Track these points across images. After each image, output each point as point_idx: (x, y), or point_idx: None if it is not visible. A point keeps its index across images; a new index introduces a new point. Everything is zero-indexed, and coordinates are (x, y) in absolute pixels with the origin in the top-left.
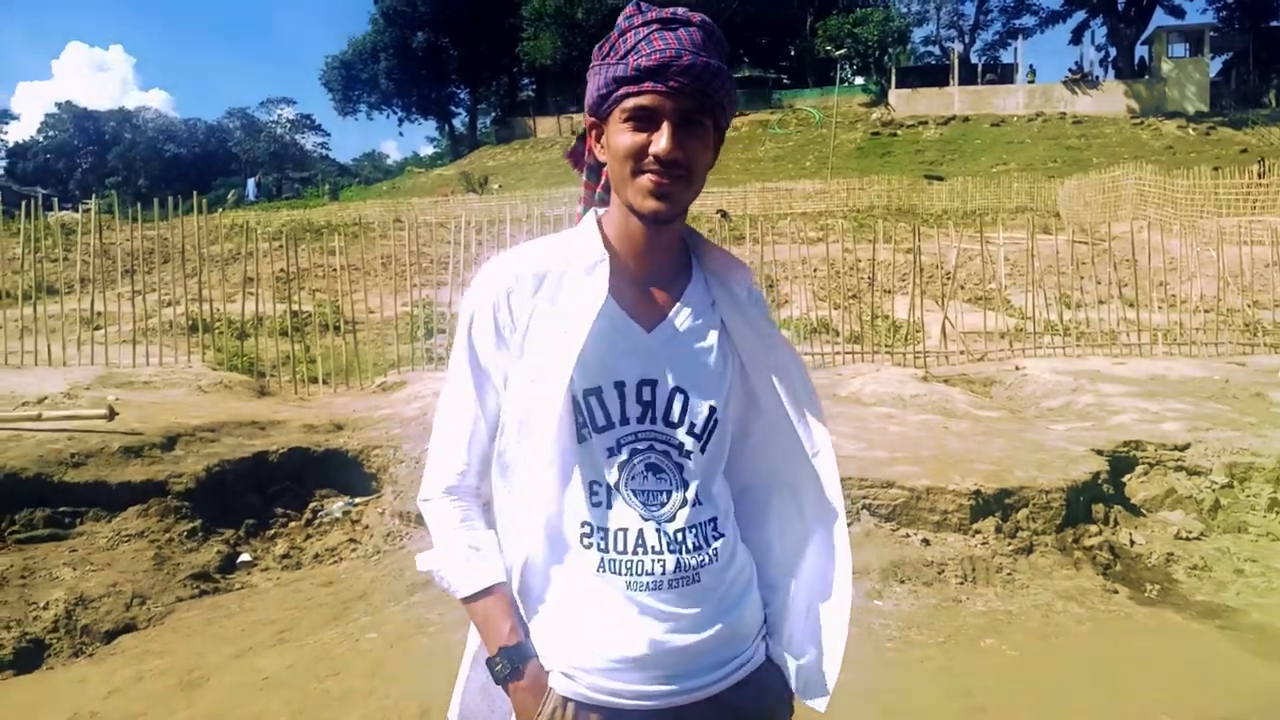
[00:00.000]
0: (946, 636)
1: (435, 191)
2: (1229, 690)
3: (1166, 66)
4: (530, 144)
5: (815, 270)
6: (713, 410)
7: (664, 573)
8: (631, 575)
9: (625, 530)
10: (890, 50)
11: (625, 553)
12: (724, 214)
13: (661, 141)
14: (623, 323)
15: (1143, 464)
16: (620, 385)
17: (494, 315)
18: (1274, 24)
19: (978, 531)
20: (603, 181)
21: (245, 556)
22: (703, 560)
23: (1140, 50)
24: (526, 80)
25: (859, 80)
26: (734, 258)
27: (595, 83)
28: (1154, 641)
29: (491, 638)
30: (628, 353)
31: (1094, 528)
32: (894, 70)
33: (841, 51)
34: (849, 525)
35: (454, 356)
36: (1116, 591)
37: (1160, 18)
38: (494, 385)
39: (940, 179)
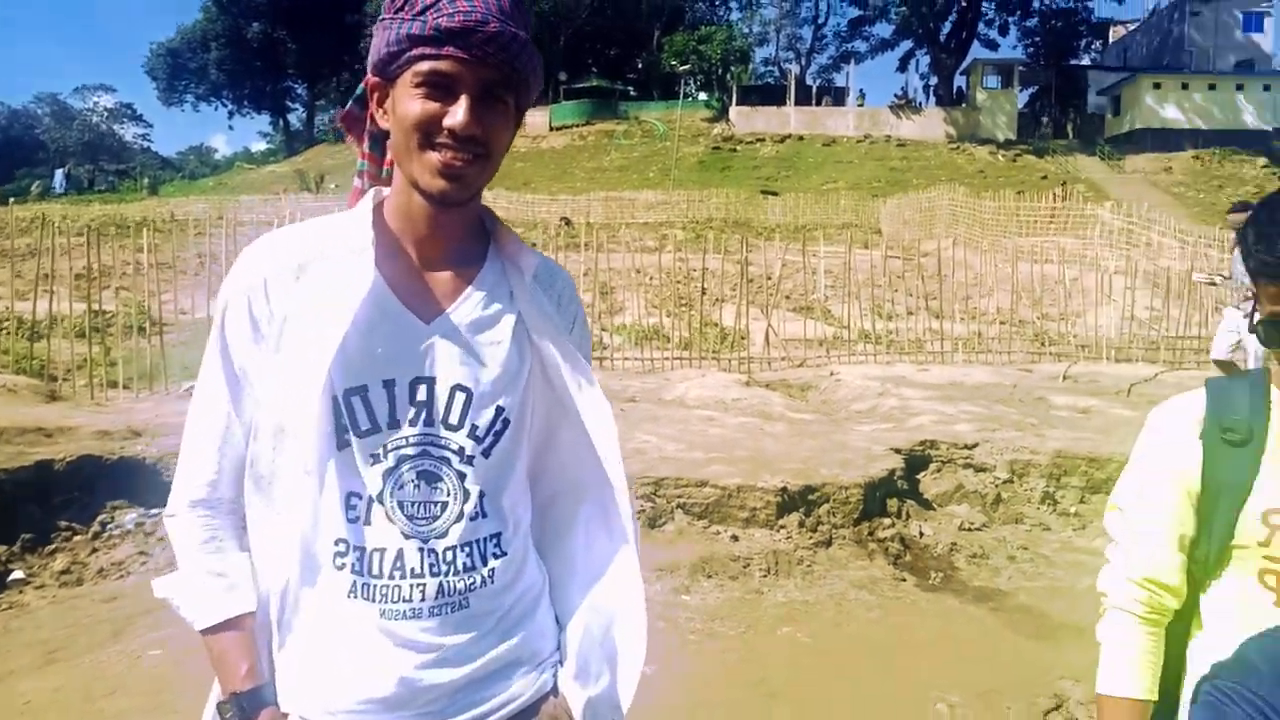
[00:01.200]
0: (747, 627)
1: (267, 189)
2: (995, 665)
3: (981, 96)
4: None
5: (650, 279)
6: (500, 411)
7: (423, 599)
8: (386, 602)
9: (383, 550)
10: (732, 68)
11: (380, 576)
12: (567, 221)
13: (459, 114)
14: (396, 313)
15: (936, 462)
16: (390, 384)
17: (249, 306)
18: (1074, 63)
19: (783, 527)
20: (389, 156)
21: (17, 574)
22: (473, 583)
23: (959, 80)
24: None
25: (702, 96)
26: (524, 245)
27: (383, 38)
28: (933, 624)
29: (225, 679)
30: (400, 347)
31: (888, 521)
32: (735, 88)
33: (686, 67)
34: (663, 525)
35: (206, 352)
36: (905, 579)
37: (977, 50)
38: (250, 384)
39: (775, 194)
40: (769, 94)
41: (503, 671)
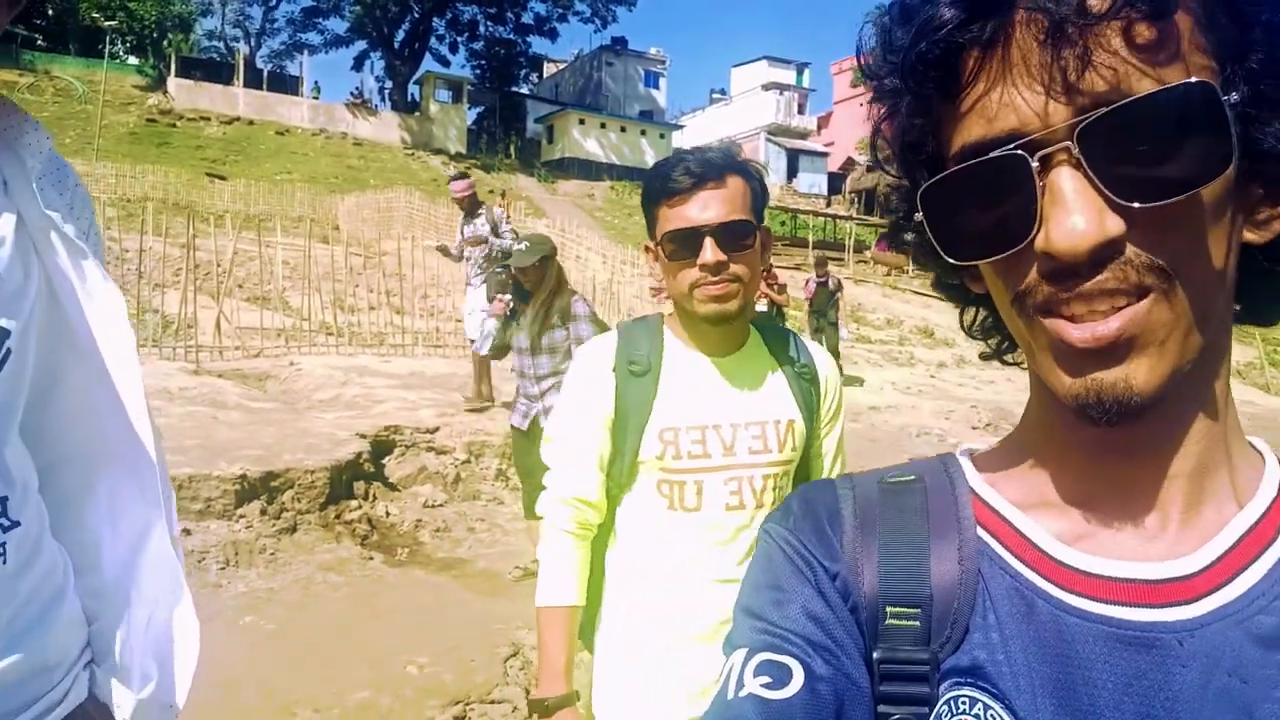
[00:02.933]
0: (205, 621)
1: None
2: (459, 624)
3: (434, 108)
4: None
5: None
6: (4, 336)
7: None
8: None
9: None
10: (170, 35)
11: None
12: None
13: None
14: None
15: (400, 446)
16: None
17: None
18: (515, 90)
19: (243, 516)
20: None
21: None
22: None
23: (413, 89)
24: None
25: (133, 60)
26: (31, 120)
27: None
28: (400, 596)
29: None
30: None
31: (355, 503)
32: (175, 57)
33: (113, 23)
34: None
35: None
36: (372, 558)
37: (430, 63)
38: None
39: (223, 179)
40: (215, 70)
41: (26, 679)
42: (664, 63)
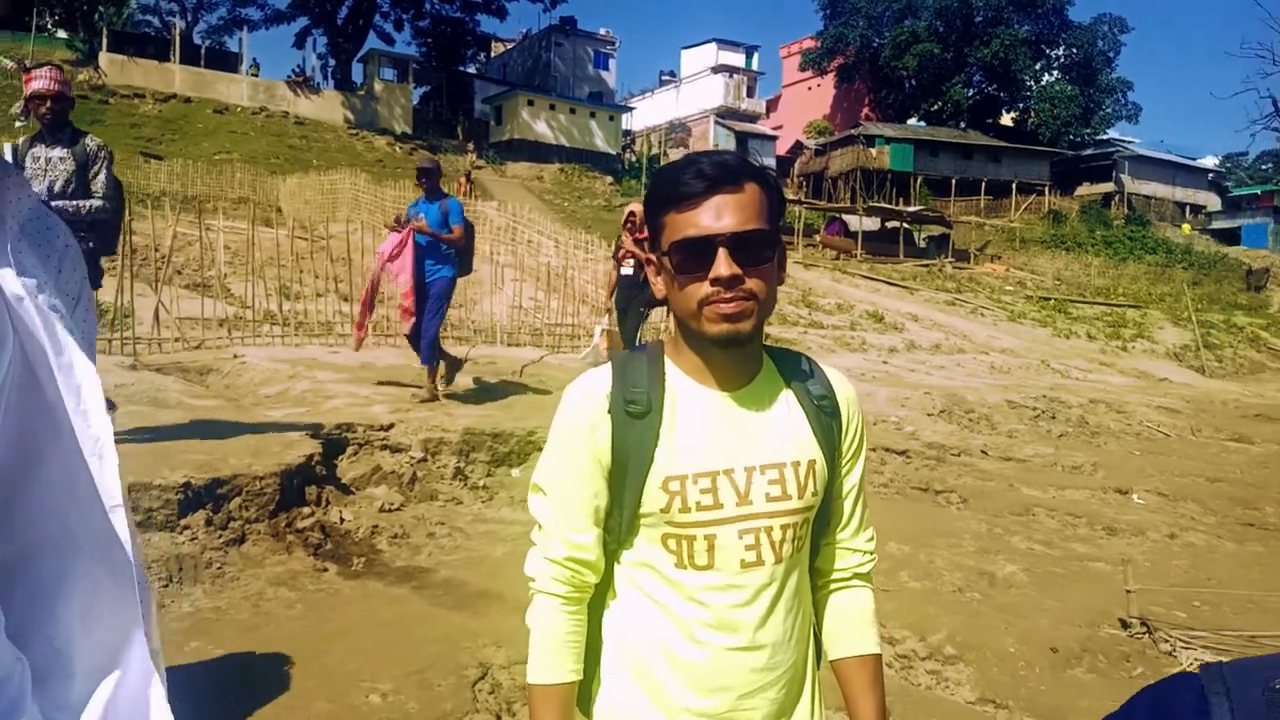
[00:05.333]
0: None
1: None
2: (422, 643)
3: (379, 87)
4: None
5: None
6: None
7: None
8: None
9: None
10: (101, 8)
11: None
12: None
13: None
14: None
15: (353, 444)
16: None
17: None
18: (462, 69)
19: (187, 527)
20: None
21: None
22: None
23: (357, 67)
24: None
25: (62, 34)
26: (22, 180)
27: None
28: (358, 612)
29: None
30: None
31: (307, 509)
32: (106, 31)
33: None
34: None
35: None
36: (326, 569)
37: (374, 41)
38: None
39: (160, 158)
40: (149, 46)
41: None
42: (614, 44)
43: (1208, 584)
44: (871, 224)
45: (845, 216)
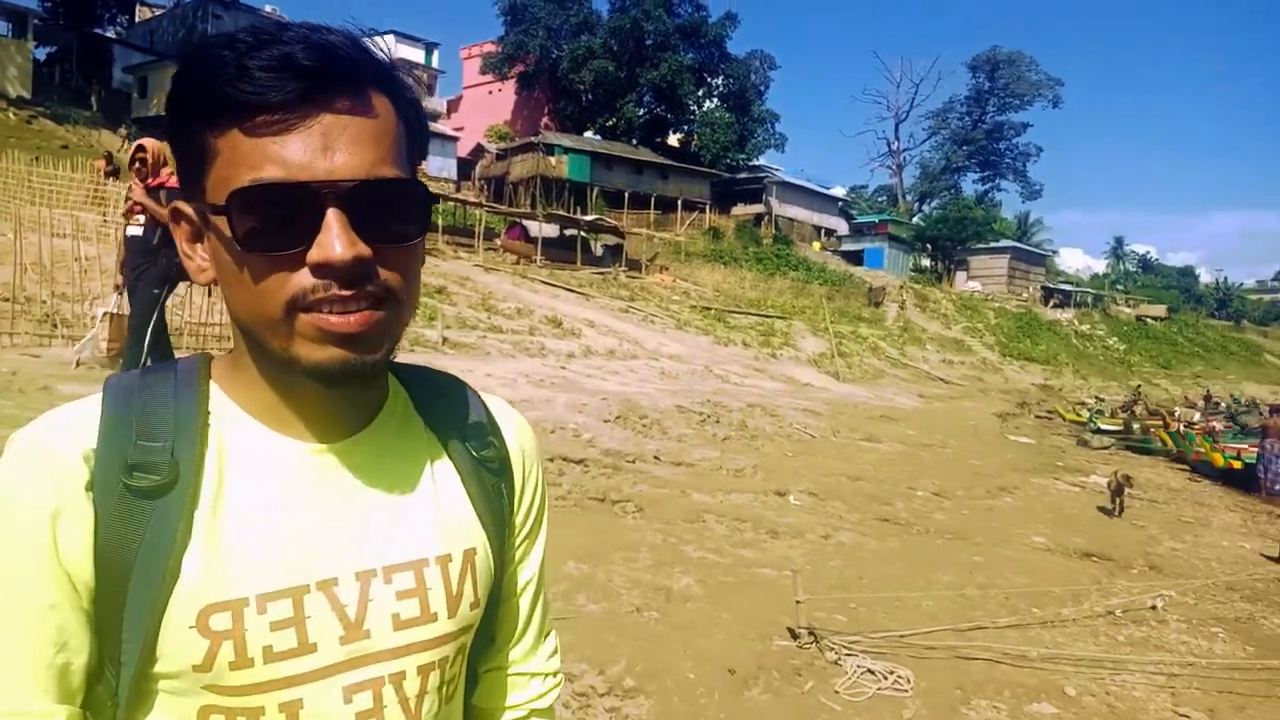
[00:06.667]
0: None
1: None
2: None
3: None
4: None
5: None
6: None
7: None
8: None
9: None
10: None
11: None
12: None
13: None
14: None
15: None
16: None
17: None
18: (98, 31)
19: None
20: None
21: None
22: None
23: None
24: None
25: None
26: None
27: None
28: None
29: None
30: None
31: None
32: None
33: None
34: None
35: None
36: None
37: None
38: None
39: None
40: None
41: None
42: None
43: (860, 582)
44: (551, 231)
45: (526, 222)
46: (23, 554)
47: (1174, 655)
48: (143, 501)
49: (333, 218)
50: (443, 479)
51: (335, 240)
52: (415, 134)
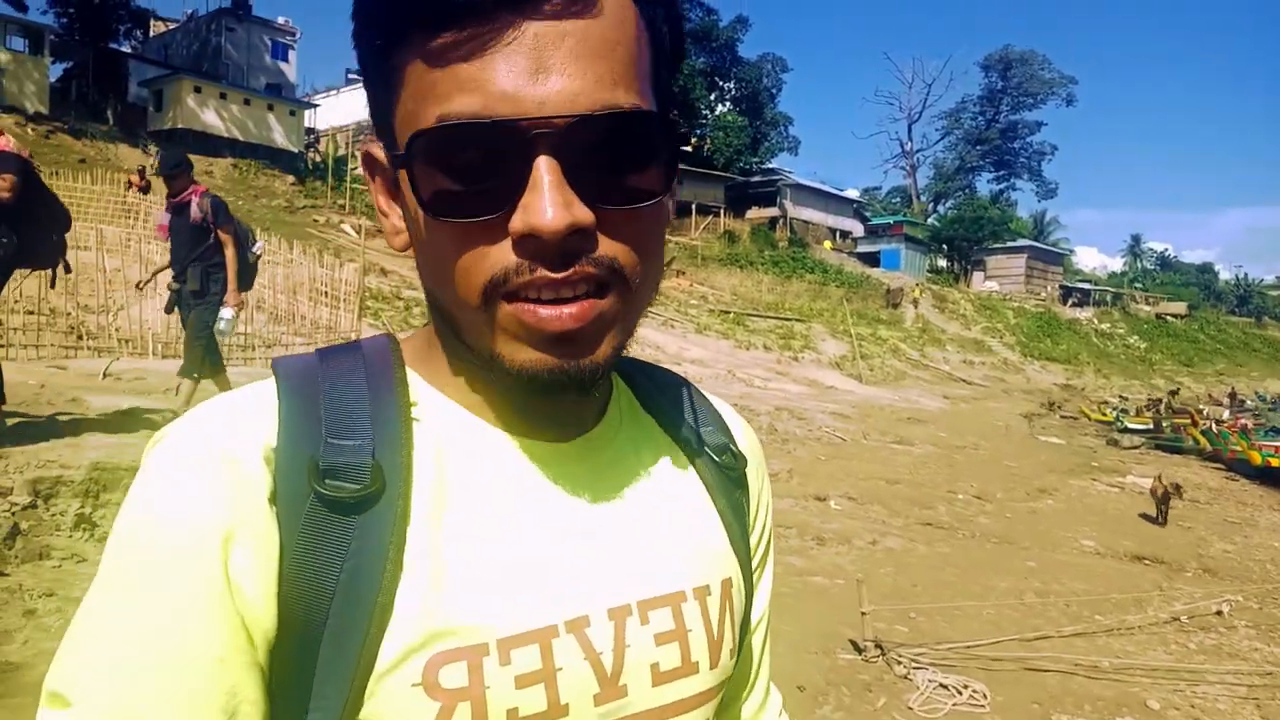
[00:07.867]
0: None
1: None
2: None
3: (4, 58)
4: None
5: None
6: None
7: None
8: None
9: None
10: None
11: None
12: None
13: None
14: None
15: None
16: None
17: None
18: (113, 46)
19: None
20: None
21: None
22: None
23: None
24: None
25: None
26: None
27: None
28: None
29: None
30: None
31: None
32: None
33: None
34: None
35: None
36: None
37: (2, 6)
38: None
39: None
40: None
41: None
42: (294, 34)
43: (915, 590)
44: None
45: None
46: (183, 592)
47: (1250, 664)
48: (341, 518)
49: (544, 169)
50: (689, 490)
51: (546, 203)
52: (663, 41)
